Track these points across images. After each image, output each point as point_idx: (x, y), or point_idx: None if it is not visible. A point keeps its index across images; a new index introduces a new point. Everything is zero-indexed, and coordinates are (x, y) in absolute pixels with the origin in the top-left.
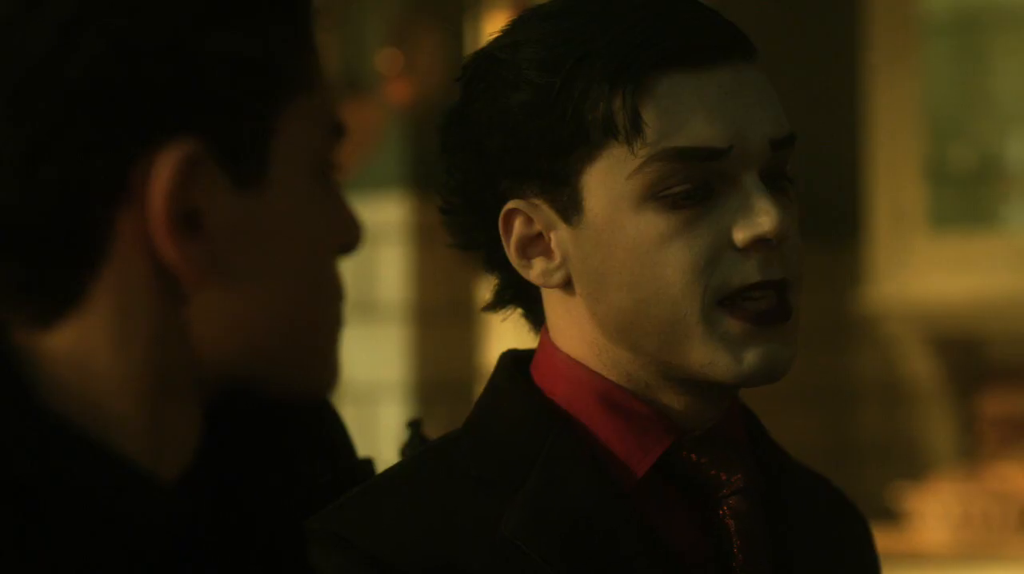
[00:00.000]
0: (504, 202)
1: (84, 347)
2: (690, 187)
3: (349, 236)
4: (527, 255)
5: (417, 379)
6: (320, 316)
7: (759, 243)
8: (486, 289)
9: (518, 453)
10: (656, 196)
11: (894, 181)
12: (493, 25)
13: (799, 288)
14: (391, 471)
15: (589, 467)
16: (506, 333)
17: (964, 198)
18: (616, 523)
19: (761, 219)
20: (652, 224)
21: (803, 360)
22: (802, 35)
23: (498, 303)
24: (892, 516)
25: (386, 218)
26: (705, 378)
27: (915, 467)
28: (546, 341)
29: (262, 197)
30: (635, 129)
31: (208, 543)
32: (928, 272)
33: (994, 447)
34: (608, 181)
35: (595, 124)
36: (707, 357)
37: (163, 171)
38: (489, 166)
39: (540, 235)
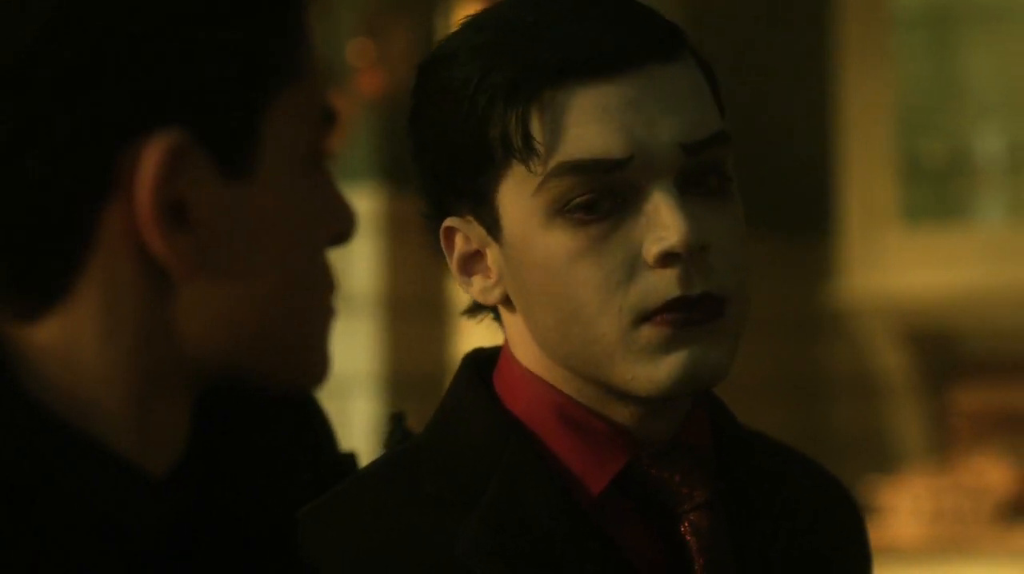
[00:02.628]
0: (444, 217)
1: (71, 340)
2: (591, 198)
3: (342, 226)
4: (467, 272)
5: (388, 372)
6: (311, 308)
7: (669, 257)
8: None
9: (475, 470)
10: (562, 212)
11: (866, 175)
12: (464, 15)
13: (738, 298)
14: (357, 479)
15: (546, 483)
16: (477, 327)
17: (936, 192)
18: (573, 541)
19: (665, 233)
20: (561, 242)
21: (775, 354)
22: (774, 29)
23: (477, 307)
24: (864, 511)
25: (358, 210)
26: (632, 394)
27: (887, 462)
28: (507, 350)
29: (251, 188)
30: (528, 148)
31: (196, 538)
32: (900, 266)
33: (966, 441)
34: (518, 200)
35: (496, 143)
36: (628, 373)
37: (149, 162)
38: (431, 179)
39: (478, 252)
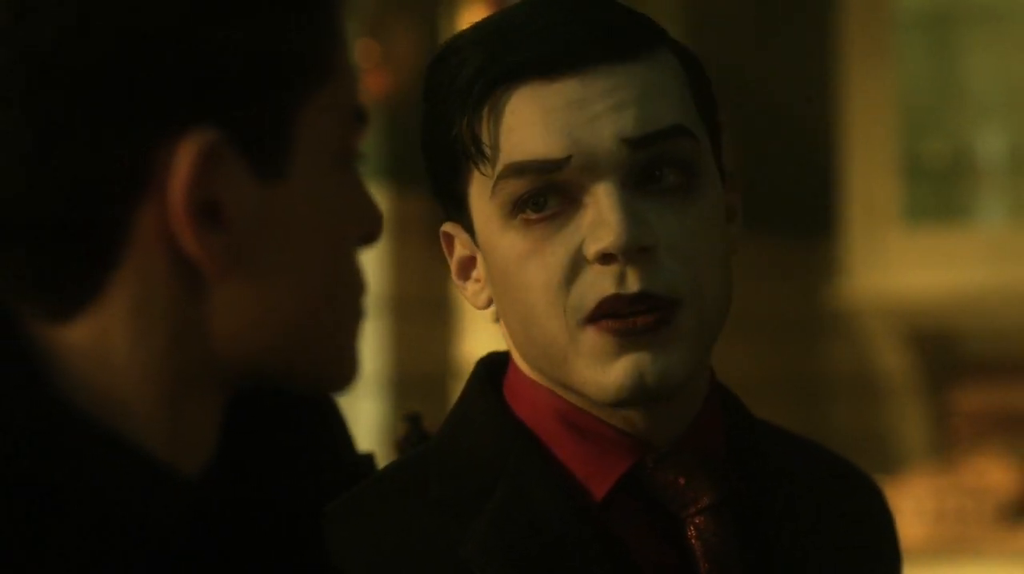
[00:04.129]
0: (444, 222)
1: (103, 341)
2: (537, 198)
3: (371, 226)
4: (463, 277)
5: (392, 372)
6: (341, 308)
7: (607, 257)
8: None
9: (481, 475)
10: (514, 214)
11: (868, 175)
12: (468, 16)
13: (696, 299)
14: (370, 483)
15: (552, 487)
16: (480, 328)
17: (937, 192)
18: (580, 544)
19: (603, 232)
20: (513, 244)
21: (775, 354)
22: (775, 30)
23: None
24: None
25: None
26: (589, 398)
27: (889, 462)
28: (512, 358)
29: (284, 188)
30: (479, 151)
31: (218, 537)
32: (902, 266)
33: (968, 442)
34: (481, 203)
35: (456, 148)
36: (580, 375)
37: (183, 162)
38: (430, 183)
39: (472, 257)
